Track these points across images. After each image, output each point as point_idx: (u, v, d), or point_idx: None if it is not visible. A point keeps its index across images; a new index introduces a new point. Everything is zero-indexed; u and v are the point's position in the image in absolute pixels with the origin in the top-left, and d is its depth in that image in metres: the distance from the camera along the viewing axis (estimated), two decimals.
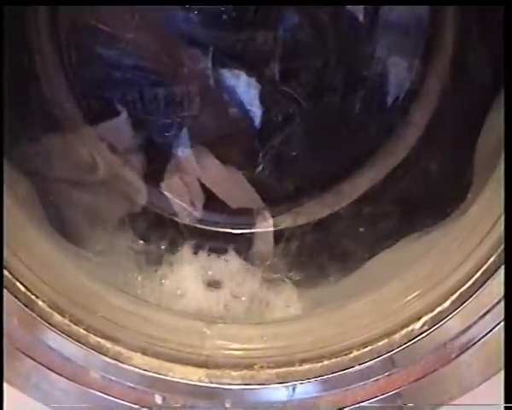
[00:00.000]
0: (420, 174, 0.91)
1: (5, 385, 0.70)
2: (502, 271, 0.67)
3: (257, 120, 0.94)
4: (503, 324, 0.67)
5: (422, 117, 0.93)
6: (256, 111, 0.94)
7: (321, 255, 0.91)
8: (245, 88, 0.92)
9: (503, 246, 0.67)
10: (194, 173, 0.97)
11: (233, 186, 0.97)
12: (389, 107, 0.95)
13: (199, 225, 0.98)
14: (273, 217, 0.97)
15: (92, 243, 0.86)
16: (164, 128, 0.95)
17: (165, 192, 0.97)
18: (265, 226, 0.96)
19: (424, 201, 0.88)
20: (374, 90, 0.94)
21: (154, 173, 0.97)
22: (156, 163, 0.97)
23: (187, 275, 0.87)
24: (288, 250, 0.92)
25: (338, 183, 0.98)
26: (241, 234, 0.98)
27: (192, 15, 0.90)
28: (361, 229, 0.89)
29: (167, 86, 0.94)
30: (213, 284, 0.87)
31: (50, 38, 0.92)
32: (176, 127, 0.95)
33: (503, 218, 0.67)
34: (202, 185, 0.97)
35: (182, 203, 0.97)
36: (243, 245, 0.94)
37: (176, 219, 0.97)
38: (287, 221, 0.97)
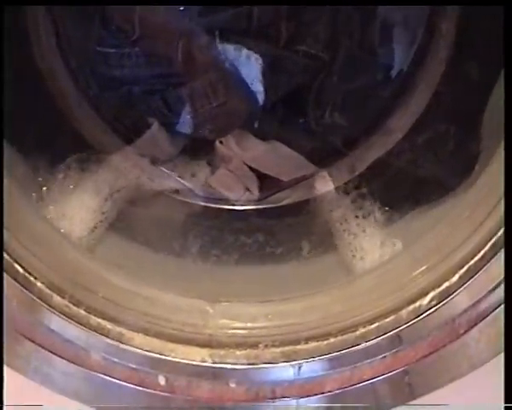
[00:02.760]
0: (426, 146, 0.90)
1: (5, 369, 0.70)
2: None
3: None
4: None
5: (428, 86, 0.92)
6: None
7: None
8: (260, 60, 0.91)
9: None
10: (239, 159, 0.96)
11: (280, 160, 0.96)
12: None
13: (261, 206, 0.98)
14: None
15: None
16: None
17: (216, 186, 0.97)
18: (327, 187, 0.94)
19: (430, 173, 0.87)
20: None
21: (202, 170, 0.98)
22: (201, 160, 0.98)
23: None
24: None
25: None
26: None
27: (188, 7, 0.89)
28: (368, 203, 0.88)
29: (187, 84, 0.94)
30: None
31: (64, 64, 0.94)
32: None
33: None
34: (251, 168, 0.97)
35: (235, 193, 0.97)
36: None
37: (236, 207, 0.97)
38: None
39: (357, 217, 0.86)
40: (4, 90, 0.73)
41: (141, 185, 0.93)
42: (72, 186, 0.85)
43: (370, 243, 0.82)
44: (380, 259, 0.79)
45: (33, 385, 0.71)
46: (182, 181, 0.96)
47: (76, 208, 0.83)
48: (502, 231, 0.66)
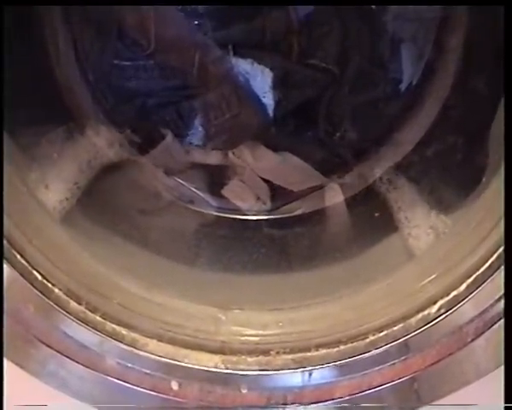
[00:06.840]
0: (434, 158, 0.91)
1: (21, 372, 0.71)
2: None
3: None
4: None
5: (436, 100, 0.93)
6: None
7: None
8: (272, 73, 0.93)
9: None
10: (251, 169, 0.98)
11: (291, 171, 0.97)
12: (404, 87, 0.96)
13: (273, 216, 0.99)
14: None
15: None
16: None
17: (229, 197, 0.98)
18: (336, 198, 0.96)
19: (438, 184, 0.88)
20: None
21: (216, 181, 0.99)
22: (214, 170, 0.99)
23: None
24: None
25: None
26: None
27: (202, 21, 0.91)
28: (376, 214, 0.89)
29: (201, 96, 0.95)
30: None
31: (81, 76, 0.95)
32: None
33: None
34: (263, 178, 0.98)
35: (247, 203, 0.98)
36: None
37: (248, 217, 0.98)
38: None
39: (411, 197, 0.87)
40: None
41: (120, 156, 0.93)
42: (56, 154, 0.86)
43: (423, 223, 0.82)
44: (432, 239, 0.80)
45: (41, 387, 0.72)
46: (195, 191, 0.97)
47: (54, 178, 0.83)
48: None
